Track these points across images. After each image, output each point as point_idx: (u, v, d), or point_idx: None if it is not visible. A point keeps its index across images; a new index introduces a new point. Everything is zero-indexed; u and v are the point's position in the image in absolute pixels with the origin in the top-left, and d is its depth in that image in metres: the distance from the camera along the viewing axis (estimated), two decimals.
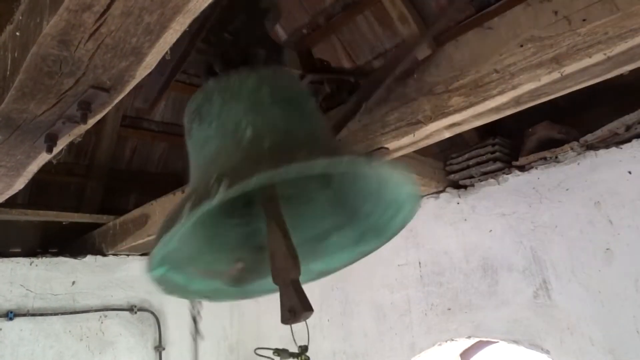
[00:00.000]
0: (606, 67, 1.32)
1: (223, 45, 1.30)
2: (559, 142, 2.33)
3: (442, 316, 2.68)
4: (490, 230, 2.56)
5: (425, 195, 2.86)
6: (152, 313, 3.59)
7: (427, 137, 1.77)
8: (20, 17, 1.07)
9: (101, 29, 0.93)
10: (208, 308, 3.92)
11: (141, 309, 3.55)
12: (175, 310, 3.73)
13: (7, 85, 1.13)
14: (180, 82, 3.09)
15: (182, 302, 3.78)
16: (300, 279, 1.03)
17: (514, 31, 1.33)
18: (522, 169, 2.49)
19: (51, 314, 3.16)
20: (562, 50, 1.24)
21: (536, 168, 2.43)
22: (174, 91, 3.31)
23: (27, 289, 3.14)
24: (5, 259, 3.13)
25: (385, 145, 1.81)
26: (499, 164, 2.51)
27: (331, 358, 3.19)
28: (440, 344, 2.67)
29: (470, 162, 2.60)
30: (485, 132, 2.56)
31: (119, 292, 3.51)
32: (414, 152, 2.08)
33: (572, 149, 2.28)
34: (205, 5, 0.90)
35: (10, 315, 2.99)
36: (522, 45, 1.31)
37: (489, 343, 2.76)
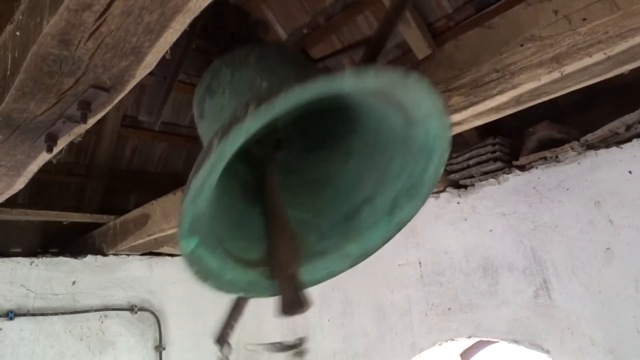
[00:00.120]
0: (606, 66, 1.32)
1: (221, 41, 1.31)
2: (559, 141, 2.33)
3: (442, 316, 2.68)
4: (491, 230, 2.56)
5: None
6: (153, 313, 3.59)
7: None
8: (21, 17, 1.07)
9: (101, 29, 0.93)
10: (208, 308, 3.91)
11: (141, 309, 3.55)
12: (175, 310, 3.73)
13: (7, 84, 1.13)
14: (180, 82, 3.09)
15: (183, 302, 3.78)
16: (340, 266, 1.00)
17: (514, 31, 1.33)
18: (522, 168, 2.49)
19: (51, 314, 3.16)
20: (562, 49, 1.24)
21: (536, 168, 2.43)
22: (174, 91, 3.31)
23: (27, 289, 3.14)
24: (6, 259, 3.13)
25: None
26: (499, 164, 2.51)
27: (331, 358, 3.19)
28: (440, 344, 2.67)
29: (471, 162, 2.60)
30: (486, 131, 2.56)
31: (119, 292, 3.51)
32: None
33: (572, 148, 2.27)
34: (206, 4, 0.90)
35: (10, 315, 2.99)
36: (522, 45, 1.31)
37: (489, 343, 2.76)
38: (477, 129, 2.14)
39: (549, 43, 1.26)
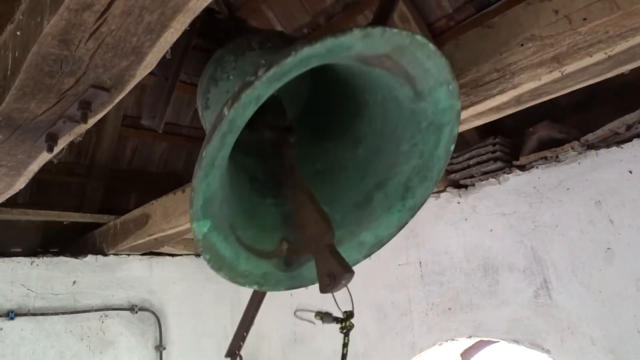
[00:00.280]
0: (607, 66, 1.32)
1: (220, 38, 1.32)
2: (559, 141, 2.33)
3: (442, 316, 2.67)
4: (491, 230, 2.56)
5: None
6: (153, 313, 3.60)
7: None
8: (21, 17, 1.07)
9: (102, 28, 0.93)
10: (208, 307, 3.92)
11: (142, 309, 3.55)
12: (175, 310, 3.74)
13: (8, 84, 1.13)
14: (180, 82, 3.09)
15: (183, 302, 3.79)
16: (354, 256, 0.98)
17: (514, 30, 1.33)
18: (522, 168, 2.49)
19: (52, 314, 3.16)
20: (562, 49, 1.24)
21: (537, 167, 2.43)
22: (175, 91, 3.31)
23: (28, 289, 3.14)
24: (6, 259, 3.14)
25: None
26: (499, 164, 2.51)
27: (332, 358, 3.18)
28: (440, 344, 2.67)
29: (471, 162, 2.60)
30: (486, 131, 2.56)
31: (119, 291, 3.51)
32: None
33: (572, 148, 2.27)
34: (206, 4, 0.90)
35: (11, 314, 3.00)
36: (522, 45, 1.31)
37: (489, 343, 2.76)
38: (478, 128, 2.13)
39: (549, 43, 1.26)
